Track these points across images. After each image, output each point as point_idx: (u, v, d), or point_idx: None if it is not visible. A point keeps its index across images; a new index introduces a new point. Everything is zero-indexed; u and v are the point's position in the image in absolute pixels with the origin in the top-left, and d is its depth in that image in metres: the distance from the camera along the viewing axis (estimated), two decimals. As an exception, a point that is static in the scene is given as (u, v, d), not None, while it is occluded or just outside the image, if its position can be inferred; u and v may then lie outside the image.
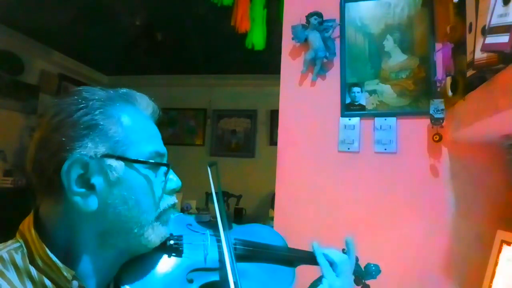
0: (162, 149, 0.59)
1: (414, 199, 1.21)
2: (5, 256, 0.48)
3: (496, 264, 0.94)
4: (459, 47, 1.00)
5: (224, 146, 4.88)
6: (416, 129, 1.23)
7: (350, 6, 1.35)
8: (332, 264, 0.76)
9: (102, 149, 0.51)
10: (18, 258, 0.49)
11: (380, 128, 1.27)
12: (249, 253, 0.71)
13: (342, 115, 1.32)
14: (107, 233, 0.53)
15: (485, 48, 0.70)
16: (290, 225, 1.32)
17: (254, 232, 0.80)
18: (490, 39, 0.68)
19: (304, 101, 1.38)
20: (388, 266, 1.20)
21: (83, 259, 0.53)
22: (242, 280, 0.65)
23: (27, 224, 0.53)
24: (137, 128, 0.56)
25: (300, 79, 1.40)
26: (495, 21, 0.67)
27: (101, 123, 0.52)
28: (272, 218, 1.58)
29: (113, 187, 0.52)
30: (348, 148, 1.30)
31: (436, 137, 1.16)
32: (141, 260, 0.58)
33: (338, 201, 1.29)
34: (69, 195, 0.50)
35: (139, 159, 0.54)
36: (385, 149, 1.26)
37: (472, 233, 1.12)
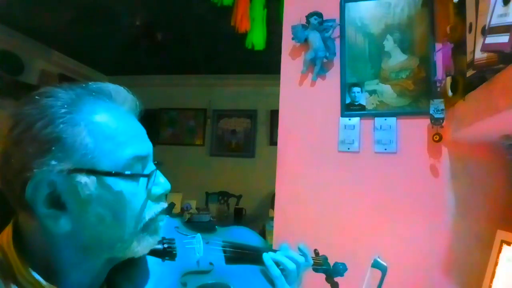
0: (143, 150, 0.52)
1: (414, 199, 1.21)
2: None
3: (496, 264, 0.94)
4: (459, 47, 1.00)
5: (224, 146, 4.88)
6: (416, 129, 1.23)
7: (350, 6, 1.35)
8: (286, 276, 0.76)
9: (68, 165, 0.45)
10: None
11: (380, 128, 1.27)
12: (238, 255, 0.73)
13: (342, 115, 1.32)
14: (88, 248, 0.49)
15: (485, 48, 0.70)
16: (290, 225, 1.32)
17: (238, 234, 0.83)
18: (490, 39, 0.68)
19: (304, 101, 1.38)
20: (388, 266, 1.20)
21: (66, 273, 0.49)
22: (233, 282, 0.67)
23: (5, 238, 0.48)
24: (110, 132, 0.48)
25: (300, 79, 1.40)
26: (495, 21, 0.67)
27: (64, 135, 0.45)
28: (272, 218, 1.58)
29: (86, 205, 0.46)
30: (348, 148, 1.30)
31: (436, 137, 1.16)
32: (135, 264, 0.56)
33: (338, 201, 1.29)
34: (38, 216, 0.46)
35: (113, 170, 0.47)
36: (385, 149, 1.26)
37: (472, 233, 1.12)
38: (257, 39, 1.85)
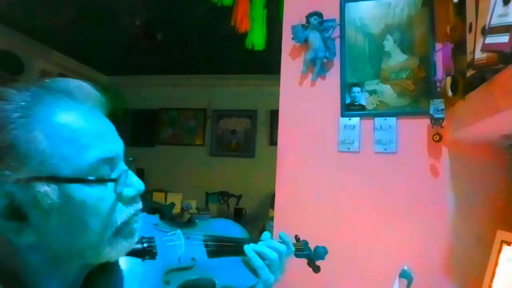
0: (109, 152, 0.47)
1: (414, 199, 1.21)
2: None
3: (496, 264, 0.94)
4: (459, 47, 1.00)
5: (224, 146, 4.89)
6: (416, 129, 1.23)
7: (350, 6, 1.35)
8: (268, 265, 0.76)
9: (24, 174, 0.41)
10: None
11: (380, 128, 1.27)
12: (220, 248, 0.73)
13: (342, 115, 1.32)
14: (58, 259, 0.46)
15: (485, 48, 0.70)
16: (290, 225, 1.32)
17: (220, 227, 0.83)
18: (490, 39, 0.68)
19: (304, 101, 1.38)
20: (388, 266, 1.20)
21: (38, 284, 0.46)
22: (217, 275, 0.67)
23: None
24: (70, 135, 0.44)
25: (300, 79, 1.40)
26: (495, 21, 0.67)
27: (17, 142, 0.41)
28: (272, 218, 1.58)
29: (49, 214, 0.43)
30: (348, 148, 1.30)
31: (436, 137, 1.16)
32: (114, 266, 0.54)
33: (338, 201, 1.29)
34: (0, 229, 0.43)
35: (76, 176, 0.43)
36: (385, 149, 1.26)
37: (472, 233, 1.12)
38: (257, 39, 1.85)
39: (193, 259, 0.67)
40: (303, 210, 1.32)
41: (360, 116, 1.30)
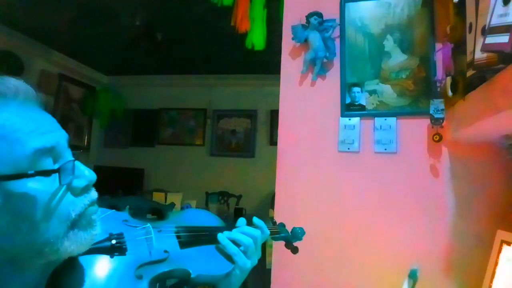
0: (48, 141, 0.45)
1: (414, 199, 1.21)
2: None
3: (496, 264, 0.94)
4: (459, 47, 1.00)
5: (224, 146, 4.88)
6: (416, 129, 1.23)
7: (350, 6, 1.35)
8: (244, 251, 0.75)
9: None
10: None
11: (380, 128, 1.27)
12: (192, 238, 0.73)
13: (342, 115, 1.32)
14: (15, 260, 0.45)
15: (485, 48, 0.70)
16: (290, 225, 1.32)
17: (192, 217, 0.83)
18: (490, 39, 0.68)
19: (304, 101, 1.38)
20: (388, 266, 1.20)
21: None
22: (191, 265, 0.67)
23: None
24: (2, 131, 0.43)
25: (300, 79, 1.40)
26: (495, 21, 0.67)
27: None
28: (272, 218, 1.58)
29: None
30: (348, 148, 1.30)
31: (436, 137, 1.16)
32: (81, 266, 0.53)
33: (338, 201, 1.29)
34: None
35: (16, 172, 0.42)
36: (385, 149, 1.26)
37: (472, 233, 1.12)
38: (257, 39, 1.85)
39: (165, 251, 0.66)
40: (303, 210, 1.32)
41: (360, 116, 1.30)
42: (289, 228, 0.95)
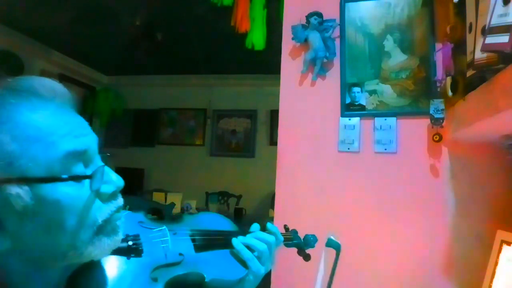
0: (80, 144, 0.46)
1: (414, 199, 1.21)
2: None
3: (496, 264, 0.94)
4: (459, 47, 1.00)
5: (224, 146, 4.89)
6: (416, 129, 1.23)
7: (350, 6, 1.35)
8: (258, 257, 0.75)
9: None
10: None
11: (380, 128, 1.27)
12: (207, 242, 0.72)
13: (342, 115, 1.32)
14: (38, 262, 0.45)
15: (485, 48, 0.70)
16: (290, 225, 1.32)
17: (207, 220, 0.83)
18: (490, 39, 0.68)
19: (304, 101, 1.38)
20: (388, 266, 1.20)
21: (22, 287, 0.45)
22: (206, 269, 0.67)
23: None
24: (36, 134, 0.43)
25: (300, 79, 1.40)
26: (495, 21, 0.67)
27: None
28: (272, 218, 1.58)
29: (23, 218, 0.42)
30: (348, 148, 1.30)
31: (436, 137, 1.16)
32: (99, 266, 0.53)
33: (338, 201, 1.29)
34: None
35: (49, 175, 0.42)
36: (385, 149, 1.26)
37: (472, 233, 1.12)
38: (257, 39, 1.85)
39: (180, 254, 0.66)
40: (303, 210, 1.32)
41: (360, 116, 1.30)
42: (301, 235, 0.94)
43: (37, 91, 0.46)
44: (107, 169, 0.48)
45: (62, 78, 4.40)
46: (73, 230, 0.44)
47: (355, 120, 1.30)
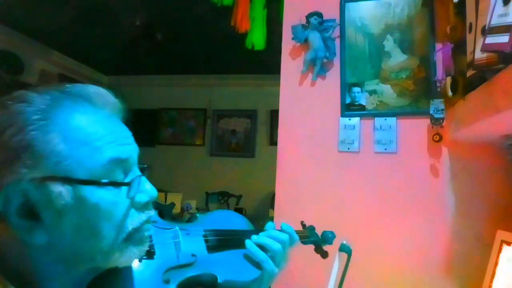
0: (123, 152, 0.49)
1: (414, 199, 1.21)
2: None
3: (496, 264, 0.94)
4: (459, 47, 1.00)
5: (224, 146, 4.89)
6: (416, 129, 1.23)
7: (350, 6, 1.35)
8: (272, 257, 0.73)
9: (39, 173, 0.43)
10: None
11: (380, 128, 1.27)
12: (220, 242, 0.71)
13: (342, 115, 1.32)
14: (67, 261, 0.47)
15: (485, 48, 0.70)
16: (290, 225, 1.32)
17: (221, 219, 0.82)
18: (490, 39, 0.68)
19: (304, 101, 1.38)
20: (388, 266, 1.20)
21: (44, 285, 0.47)
22: (219, 270, 0.66)
23: None
24: (86, 137, 0.45)
25: (300, 79, 1.40)
26: (495, 21, 0.67)
27: (34, 142, 0.43)
28: (272, 218, 1.58)
29: (62, 216, 0.44)
30: (348, 148, 1.30)
31: (436, 137, 1.16)
32: (112, 269, 0.53)
33: (338, 201, 1.29)
34: (13, 228, 0.43)
35: (91, 178, 0.44)
36: (385, 149, 1.26)
37: (472, 233, 1.12)
38: (257, 39, 1.85)
39: (193, 255, 0.66)
40: (303, 210, 1.32)
41: (360, 116, 1.30)
42: (319, 231, 0.92)
43: (91, 98, 0.49)
44: (144, 179, 0.51)
45: (62, 78, 4.40)
46: (104, 234, 0.46)
47: (355, 120, 1.30)
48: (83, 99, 0.49)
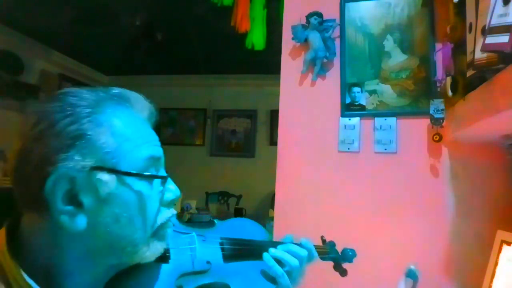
0: (158, 152, 0.53)
1: (414, 199, 1.21)
2: None
3: (496, 264, 0.94)
4: (459, 47, 1.00)
5: (224, 146, 4.89)
6: (416, 129, 1.23)
7: (350, 6, 1.35)
8: (289, 272, 0.72)
9: (90, 162, 0.45)
10: None
11: (380, 128, 1.27)
12: (237, 251, 0.69)
13: (342, 115, 1.32)
14: (97, 252, 0.48)
15: (485, 48, 0.70)
16: (290, 225, 1.32)
17: (238, 228, 0.79)
18: (490, 39, 0.68)
19: (304, 101, 1.38)
20: (388, 266, 1.20)
21: (68, 281, 0.48)
22: (233, 281, 0.65)
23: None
24: (130, 135, 0.50)
25: (300, 79, 1.40)
26: (495, 21, 0.67)
27: (89, 132, 0.46)
28: (272, 218, 1.58)
29: (104, 204, 0.46)
30: (348, 148, 1.30)
31: (436, 137, 1.16)
32: (127, 270, 0.54)
33: (338, 201, 1.29)
34: (55, 213, 0.45)
35: (132, 171, 0.48)
36: (385, 149, 1.26)
37: (472, 233, 1.12)
38: (257, 39, 1.85)
39: (208, 262, 0.64)
40: (303, 210, 1.32)
41: (360, 116, 1.30)
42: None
43: (131, 102, 0.55)
44: (169, 179, 0.55)
45: (62, 78, 4.40)
46: (139, 226, 0.49)
47: (355, 120, 1.30)
48: (125, 101, 0.54)
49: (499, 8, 0.66)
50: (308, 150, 1.35)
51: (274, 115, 4.43)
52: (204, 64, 4.40)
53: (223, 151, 4.86)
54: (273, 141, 4.54)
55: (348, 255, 0.86)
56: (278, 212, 1.36)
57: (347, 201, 1.28)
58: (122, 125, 0.49)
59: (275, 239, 1.33)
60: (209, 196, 4.40)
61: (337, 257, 0.86)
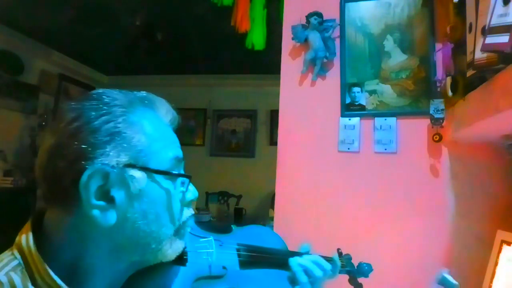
0: (181, 153, 0.56)
1: (414, 199, 1.21)
2: (4, 279, 0.43)
3: (496, 264, 0.94)
4: (459, 47, 1.00)
5: (224, 146, 4.88)
6: (416, 129, 1.23)
7: (350, 6, 1.35)
8: (312, 282, 0.72)
9: (124, 159, 0.47)
10: (17, 280, 0.43)
11: (380, 128, 1.27)
12: (253, 259, 0.69)
13: (342, 115, 1.32)
14: (123, 248, 0.50)
15: (485, 48, 0.70)
16: (290, 225, 1.32)
17: (256, 235, 0.79)
18: (490, 39, 0.68)
19: (304, 101, 1.38)
20: (388, 266, 1.20)
21: (91, 277, 0.48)
22: (247, 287, 0.64)
23: (25, 236, 0.47)
24: (158, 136, 0.52)
25: (300, 79, 1.40)
26: (495, 21, 0.67)
27: (125, 131, 0.48)
28: (272, 218, 1.58)
29: (134, 200, 0.48)
30: (348, 148, 1.30)
31: (436, 137, 1.16)
32: (144, 271, 0.54)
33: (338, 201, 1.29)
34: (87, 208, 0.46)
35: (160, 169, 0.50)
36: (385, 149, 1.26)
37: (472, 233, 1.12)
38: (257, 39, 1.85)
39: (224, 267, 0.64)
40: (303, 210, 1.32)
41: (360, 116, 1.30)
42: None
43: (157, 106, 0.57)
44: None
45: (62, 78, 4.40)
46: (164, 222, 0.51)
47: (355, 120, 1.30)
48: (151, 104, 0.56)
49: (499, 8, 0.66)
50: (308, 150, 1.35)
51: (274, 115, 4.43)
52: (204, 64, 4.40)
53: (223, 151, 4.86)
54: (273, 141, 4.54)
55: (364, 270, 0.86)
56: (278, 212, 1.36)
57: (347, 201, 1.28)
58: (151, 126, 0.52)
59: (275, 239, 1.33)
60: (209, 196, 4.39)
61: (352, 271, 0.86)
